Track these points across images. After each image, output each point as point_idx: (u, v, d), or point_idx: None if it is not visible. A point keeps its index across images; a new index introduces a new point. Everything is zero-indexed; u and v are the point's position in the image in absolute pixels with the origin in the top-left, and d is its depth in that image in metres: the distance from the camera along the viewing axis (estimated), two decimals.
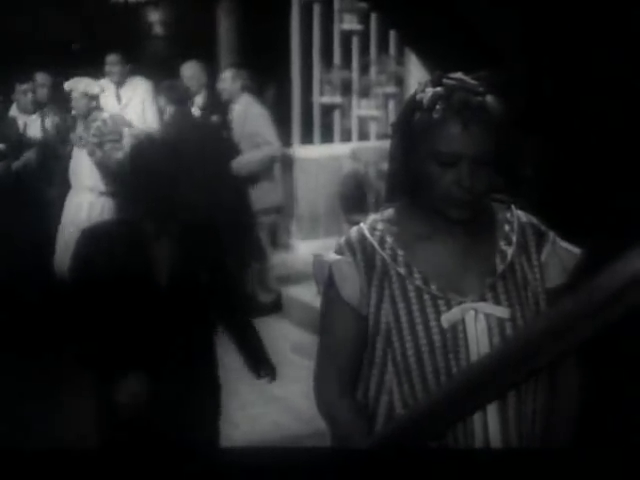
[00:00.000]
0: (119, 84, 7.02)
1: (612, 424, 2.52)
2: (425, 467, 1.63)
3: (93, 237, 3.02)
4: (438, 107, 1.82)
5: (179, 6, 8.84)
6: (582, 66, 2.72)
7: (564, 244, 1.98)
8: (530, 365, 1.69)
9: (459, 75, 1.85)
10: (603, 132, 2.73)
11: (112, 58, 7.01)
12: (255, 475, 1.60)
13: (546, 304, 1.92)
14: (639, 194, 2.65)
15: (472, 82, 1.83)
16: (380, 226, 1.94)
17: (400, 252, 1.91)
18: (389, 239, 1.92)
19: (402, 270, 1.89)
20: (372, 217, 1.98)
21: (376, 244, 1.92)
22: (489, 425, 1.86)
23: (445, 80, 1.84)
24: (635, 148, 2.67)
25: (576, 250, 1.97)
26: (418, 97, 1.86)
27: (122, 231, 2.99)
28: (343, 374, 1.94)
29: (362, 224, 1.97)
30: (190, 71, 6.75)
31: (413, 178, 1.89)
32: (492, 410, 1.85)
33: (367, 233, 1.94)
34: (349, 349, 1.93)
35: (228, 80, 6.63)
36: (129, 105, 6.94)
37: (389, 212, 1.97)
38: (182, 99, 6.26)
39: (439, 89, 1.83)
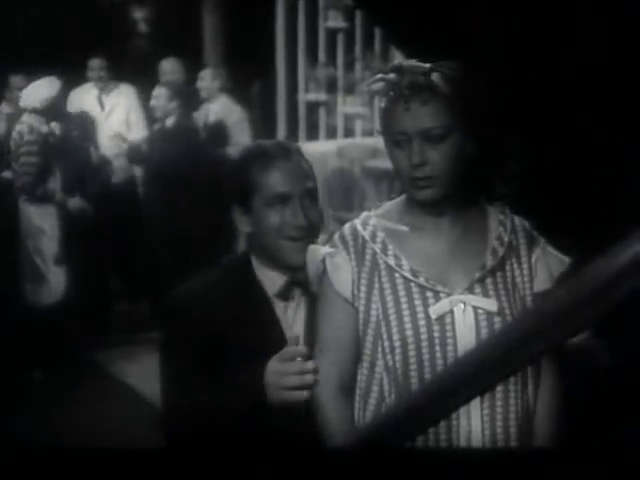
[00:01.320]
0: (103, 90, 6.65)
1: (597, 422, 2.54)
2: (408, 466, 1.64)
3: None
4: (391, 93, 1.87)
5: (163, 3, 8.81)
6: (572, 63, 2.73)
7: (553, 251, 2.00)
8: (515, 362, 1.70)
9: (411, 61, 1.90)
10: (591, 129, 2.75)
11: (96, 62, 6.60)
12: (253, 473, 1.61)
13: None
14: (626, 192, 2.67)
15: (419, 64, 1.88)
16: (372, 221, 1.97)
17: (390, 245, 1.93)
18: (380, 233, 1.94)
19: (391, 261, 1.91)
20: (365, 213, 2.01)
21: (367, 237, 1.94)
22: (473, 423, 1.87)
23: (396, 66, 1.90)
24: (626, 144, 2.70)
25: (565, 258, 1.99)
26: (372, 87, 1.92)
27: (243, 305, 2.09)
28: (338, 369, 1.93)
29: (355, 220, 1.99)
30: (168, 67, 6.59)
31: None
32: (478, 407, 1.87)
33: (359, 227, 1.96)
34: (343, 342, 1.94)
35: (207, 79, 6.56)
36: (113, 112, 6.64)
37: (382, 208, 2.00)
38: (191, 102, 6.18)
39: (391, 75, 1.88)
